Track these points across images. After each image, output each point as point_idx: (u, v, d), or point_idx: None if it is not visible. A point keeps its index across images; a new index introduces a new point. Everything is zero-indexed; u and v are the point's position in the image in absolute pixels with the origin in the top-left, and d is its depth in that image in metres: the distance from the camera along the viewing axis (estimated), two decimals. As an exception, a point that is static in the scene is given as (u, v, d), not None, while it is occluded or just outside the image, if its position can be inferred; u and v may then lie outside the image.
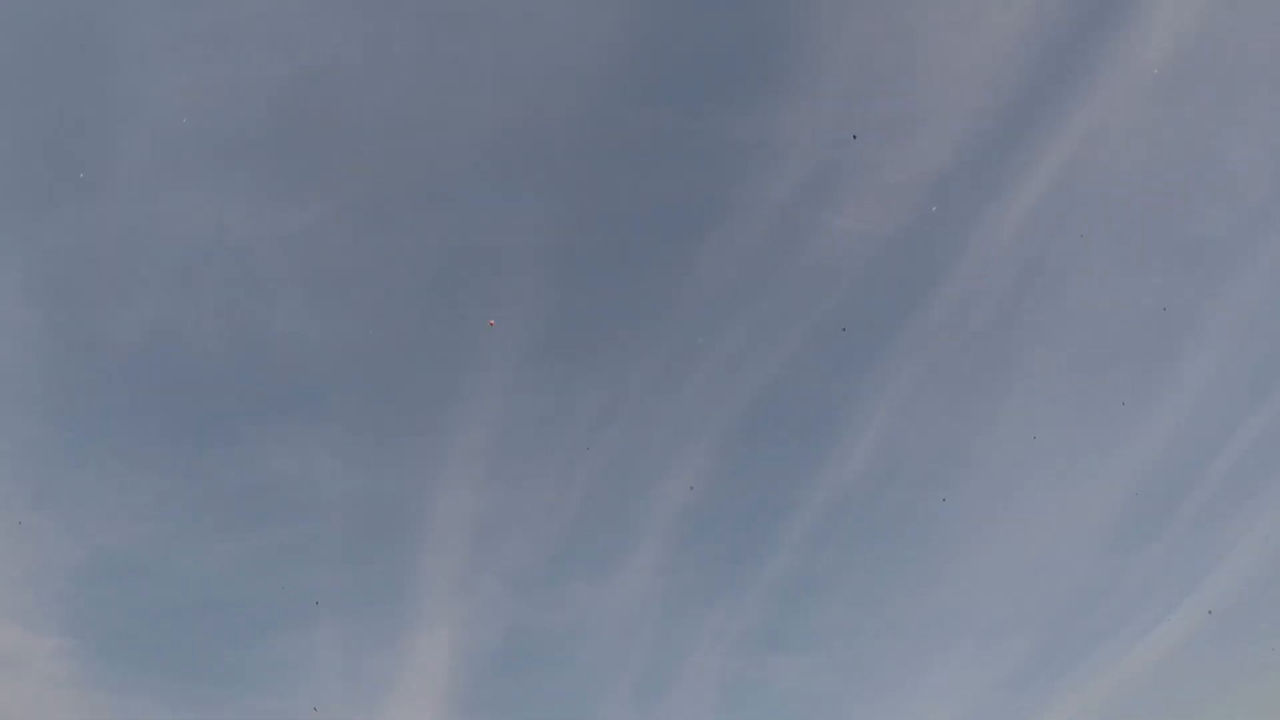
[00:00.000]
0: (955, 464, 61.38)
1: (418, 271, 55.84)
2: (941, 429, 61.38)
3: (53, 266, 48.10)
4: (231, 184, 48.51)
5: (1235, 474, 57.10)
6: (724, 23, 56.62)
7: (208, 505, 51.40)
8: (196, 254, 49.40)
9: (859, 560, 59.99)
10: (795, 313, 62.65)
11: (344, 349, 54.66)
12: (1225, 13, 55.44)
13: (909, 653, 56.31)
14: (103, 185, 47.19)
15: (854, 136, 48.98)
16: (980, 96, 60.16)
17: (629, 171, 59.79)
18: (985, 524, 61.36)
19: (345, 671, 50.02)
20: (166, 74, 47.08)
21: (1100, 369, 61.77)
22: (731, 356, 60.36)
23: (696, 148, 59.60)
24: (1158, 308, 61.86)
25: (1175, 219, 62.42)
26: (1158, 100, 59.61)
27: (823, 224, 61.60)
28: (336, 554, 52.73)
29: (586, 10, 50.21)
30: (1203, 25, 55.73)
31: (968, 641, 58.02)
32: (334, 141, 49.58)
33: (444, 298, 56.49)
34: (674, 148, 60.12)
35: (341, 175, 51.35)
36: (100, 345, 51.78)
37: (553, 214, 58.98)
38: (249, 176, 49.08)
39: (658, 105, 59.22)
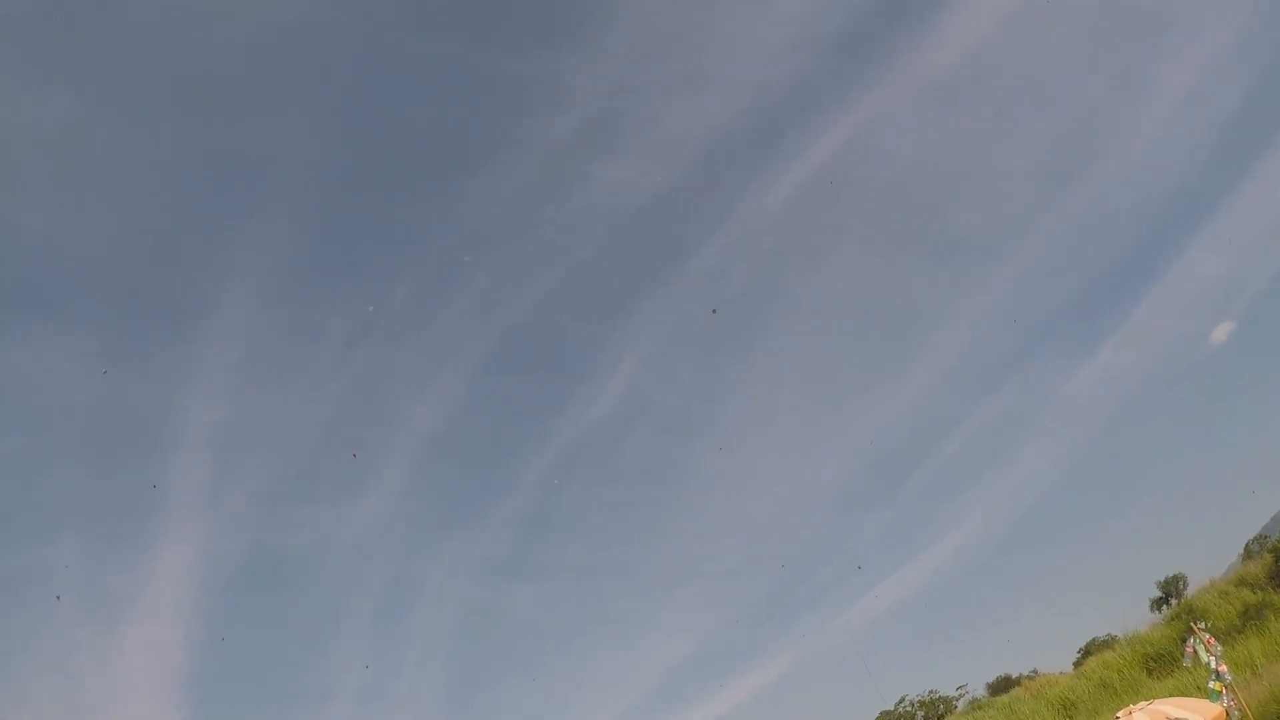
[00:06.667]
0: (699, 416, 62.48)
1: (176, 174, 52.27)
2: (688, 382, 62.24)
3: None
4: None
5: (961, 457, 60.23)
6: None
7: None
8: (-60, 140, 43.88)
9: (599, 498, 60.72)
10: (556, 253, 62.02)
11: (94, 250, 50.80)
12: (1013, 35, 56.17)
13: (645, 588, 57.62)
14: None
15: None
16: (768, 69, 59.72)
17: (406, 94, 57.13)
18: (724, 475, 62.78)
19: (86, 587, 46.96)
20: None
21: (846, 346, 63.62)
22: (489, 290, 59.22)
23: (477, 79, 57.15)
24: (908, 296, 63.68)
25: (937, 216, 64.01)
26: (937, 102, 60.41)
27: (594, 171, 60.84)
28: (77, 464, 49.40)
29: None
30: (992, 43, 56.41)
31: (703, 582, 59.63)
32: (100, 31, 44.48)
33: (202, 203, 53.08)
34: (455, 76, 57.32)
35: (106, 68, 46.42)
36: None
37: (323, 127, 56.02)
38: (6, 61, 43.61)
39: (444, 31, 55.87)
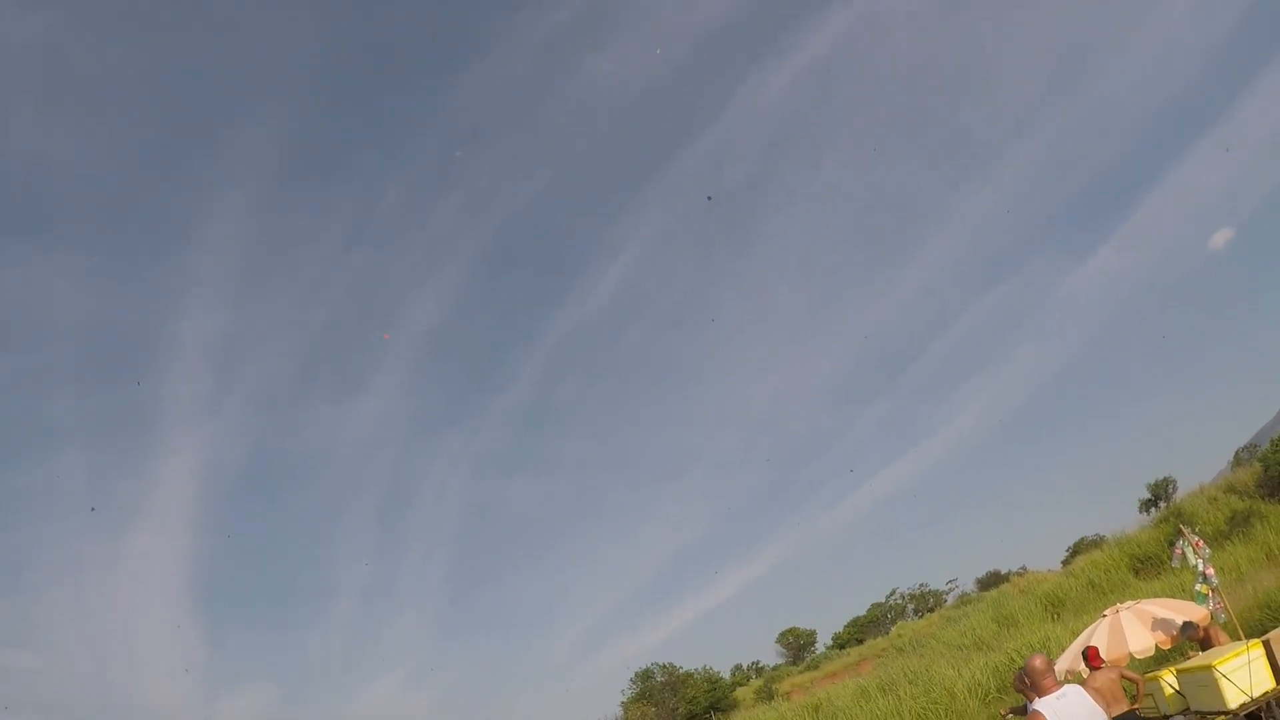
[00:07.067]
0: (695, 309, 63.34)
1: (162, 84, 51.18)
2: (684, 275, 62.72)
3: None
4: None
5: (957, 354, 61.26)
6: None
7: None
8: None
9: (597, 392, 62.54)
10: (551, 148, 61.36)
11: (82, 166, 50.50)
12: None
13: (643, 481, 60.09)
14: None
15: None
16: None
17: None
18: (721, 367, 64.09)
19: (90, 502, 48.73)
20: None
21: (843, 241, 63.72)
22: (483, 187, 59.14)
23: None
24: (907, 192, 63.05)
25: (937, 112, 62.56)
26: (942, -2, 57.58)
27: (588, 63, 59.17)
28: (76, 381, 50.69)
29: None
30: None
31: (699, 474, 61.79)
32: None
33: (188, 113, 52.03)
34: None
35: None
36: None
37: (310, 31, 54.27)
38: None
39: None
